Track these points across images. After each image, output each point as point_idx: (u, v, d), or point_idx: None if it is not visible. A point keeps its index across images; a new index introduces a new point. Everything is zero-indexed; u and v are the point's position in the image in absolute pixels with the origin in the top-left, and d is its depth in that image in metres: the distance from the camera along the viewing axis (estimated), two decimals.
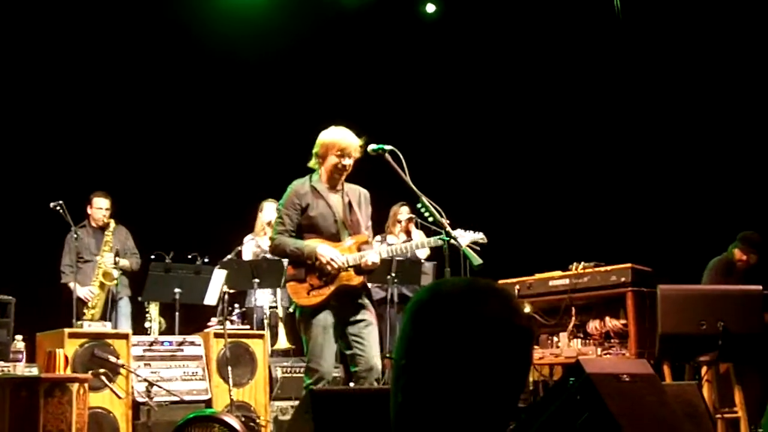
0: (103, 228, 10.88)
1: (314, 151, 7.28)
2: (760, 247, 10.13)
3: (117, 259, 10.58)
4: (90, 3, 12.29)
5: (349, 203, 7.32)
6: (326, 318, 7.05)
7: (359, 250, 7.21)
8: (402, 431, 1.95)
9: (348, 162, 7.17)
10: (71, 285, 10.56)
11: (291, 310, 7.45)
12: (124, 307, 10.92)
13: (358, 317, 7.14)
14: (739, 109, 12.55)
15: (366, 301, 7.25)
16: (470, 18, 13.98)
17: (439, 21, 14.30)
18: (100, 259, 10.69)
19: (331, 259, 7.02)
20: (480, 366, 1.88)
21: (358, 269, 7.14)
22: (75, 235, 10.35)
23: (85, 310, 10.51)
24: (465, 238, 7.09)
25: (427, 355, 1.89)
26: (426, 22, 14.34)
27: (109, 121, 12.45)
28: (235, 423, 5.59)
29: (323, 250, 7.05)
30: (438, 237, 6.91)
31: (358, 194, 7.43)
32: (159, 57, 12.80)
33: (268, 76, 13.40)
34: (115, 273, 10.58)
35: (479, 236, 7.23)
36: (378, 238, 10.86)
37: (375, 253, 7.18)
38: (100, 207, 10.93)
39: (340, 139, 7.18)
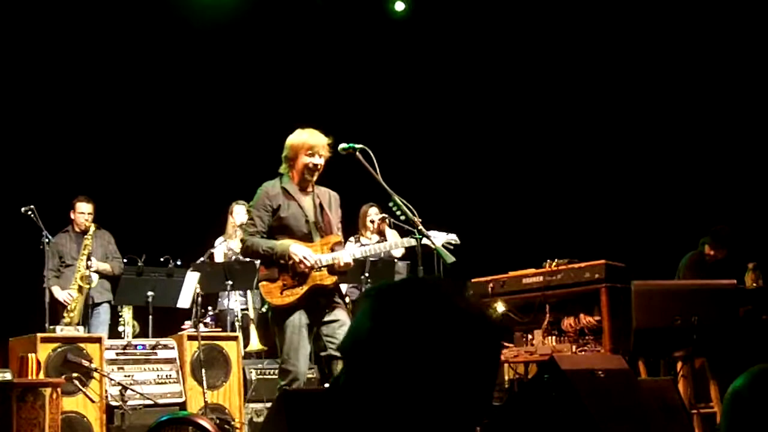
0: (85, 232, 10.87)
1: (284, 155, 7.28)
2: (728, 242, 10.16)
3: (89, 262, 10.57)
4: (67, 7, 12.25)
5: (320, 204, 7.30)
6: (300, 318, 7.02)
7: (332, 250, 7.19)
8: (367, 428, 1.92)
9: (319, 161, 7.16)
10: (53, 289, 10.66)
11: (264, 310, 7.40)
12: (104, 313, 10.89)
13: (332, 317, 7.11)
14: (709, 106, 12.61)
15: (339, 301, 7.24)
16: (439, 16, 13.97)
17: (408, 19, 14.27)
18: (79, 262, 10.69)
19: (304, 257, 7.00)
20: (452, 362, 1.85)
21: (332, 269, 7.12)
22: (46, 240, 10.31)
23: (65, 314, 10.55)
24: (438, 239, 7.09)
25: (390, 351, 1.86)
26: (395, 20, 14.31)
27: (80, 125, 12.40)
28: (207, 425, 5.56)
29: (296, 249, 7.03)
30: (412, 237, 6.89)
31: (328, 196, 7.43)
32: (128, 57, 12.75)
33: (235, 76, 13.34)
34: (94, 276, 10.57)
35: (452, 237, 7.23)
36: (351, 239, 10.84)
37: (348, 253, 7.19)
38: (82, 212, 10.95)
39: (308, 139, 7.17)
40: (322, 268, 7.07)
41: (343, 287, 10.63)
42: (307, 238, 7.20)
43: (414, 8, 14.27)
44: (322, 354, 7.15)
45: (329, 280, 7.13)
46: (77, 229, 10.96)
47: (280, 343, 7.10)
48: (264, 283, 7.16)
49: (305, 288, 7.04)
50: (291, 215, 7.18)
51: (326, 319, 7.10)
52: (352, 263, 7.26)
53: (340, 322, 7.10)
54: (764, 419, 2.16)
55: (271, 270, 7.13)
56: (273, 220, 7.18)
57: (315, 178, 7.26)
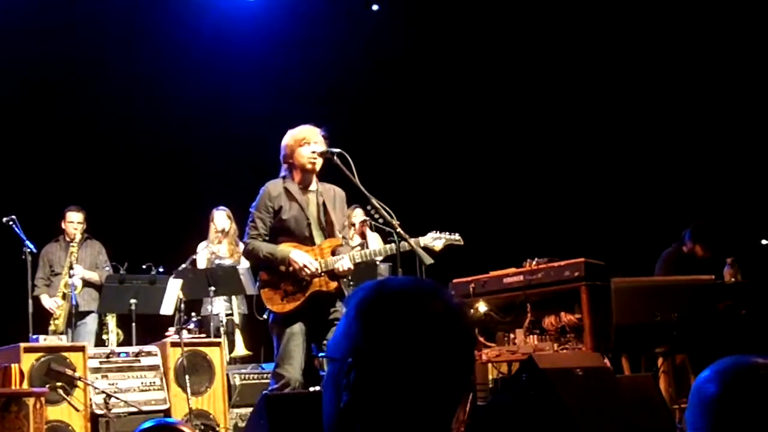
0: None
1: (281, 156, 7.20)
2: (709, 241, 10.13)
3: (72, 271, 10.59)
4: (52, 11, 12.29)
5: (324, 204, 7.23)
6: (298, 325, 6.98)
7: (333, 253, 7.13)
8: (344, 424, 1.95)
9: (315, 148, 7.03)
10: (41, 297, 10.77)
11: (264, 316, 7.36)
12: (91, 323, 10.89)
13: (332, 321, 7.05)
14: (685, 105, 12.67)
15: (340, 307, 7.11)
16: (414, 15, 13.99)
17: (383, 17, 14.29)
18: (64, 271, 10.72)
19: (304, 266, 6.94)
20: (426, 364, 1.89)
21: (332, 275, 7.07)
22: (28, 249, 10.29)
23: (51, 321, 10.69)
24: (440, 240, 7.11)
25: (375, 353, 1.89)
26: (371, 19, 14.33)
27: (60, 133, 12.39)
28: (188, 431, 5.58)
29: (296, 256, 6.98)
30: (399, 241, 6.83)
31: (333, 194, 7.32)
32: (109, 64, 12.77)
33: (215, 81, 13.30)
34: (78, 283, 10.59)
35: (455, 237, 7.26)
36: None
37: (348, 258, 7.07)
38: (72, 221, 10.96)
39: (299, 132, 7.11)
40: (323, 274, 7.06)
41: None
42: (308, 241, 7.14)
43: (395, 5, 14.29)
44: (321, 355, 7.13)
45: (331, 285, 7.09)
46: (68, 239, 10.97)
47: (276, 347, 7.09)
48: (265, 289, 7.10)
49: (306, 295, 7.01)
50: (292, 218, 7.10)
51: (326, 323, 7.08)
52: (353, 268, 7.18)
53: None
54: (738, 421, 2.16)
55: (272, 276, 7.08)
56: (274, 222, 7.12)
57: (317, 168, 7.15)
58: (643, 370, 8.57)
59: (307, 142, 7.07)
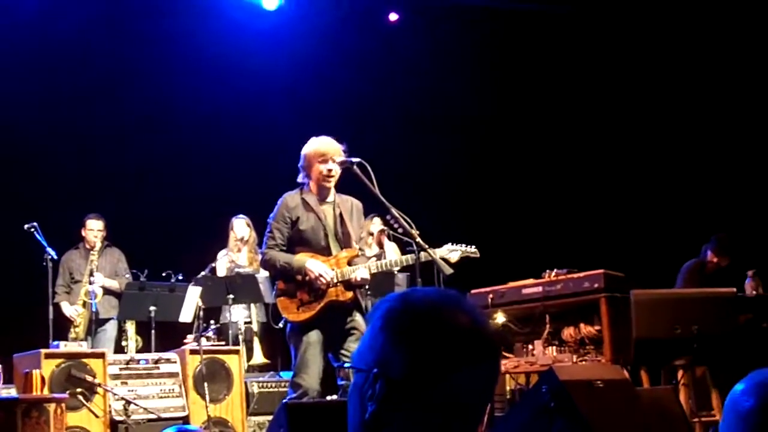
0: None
1: (300, 165, 7.28)
2: (732, 250, 10.14)
3: (91, 278, 10.62)
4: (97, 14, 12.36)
5: (341, 215, 7.28)
6: (315, 334, 7.04)
7: (350, 263, 7.18)
8: None
9: (333, 167, 7.12)
10: (62, 304, 10.84)
11: (281, 324, 7.39)
12: (111, 330, 10.92)
13: (349, 330, 7.11)
14: (705, 115, 12.65)
15: (357, 317, 7.19)
16: (433, 27, 13.99)
17: (401, 28, 14.28)
18: (84, 278, 10.76)
19: (320, 275, 7.00)
20: (451, 375, 1.89)
21: (348, 284, 7.11)
22: (49, 256, 10.31)
23: (71, 329, 10.76)
24: (456, 251, 7.12)
25: (401, 364, 1.90)
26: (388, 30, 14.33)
27: (81, 140, 12.42)
28: None
29: (312, 265, 7.03)
30: (418, 251, 6.82)
31: (350, 206, 7.40)
32: (130, 73, 12.80)
33: (233, 90, 13.29)
34: (98, 291, 10.63)
35: (471, 249, 7.26)
36: None
37: (365, 268, 7.13)
38: (92, 229, 11.02)
39: (319, 146, 7.18)
40: (339, 284, 7.09)
41: None
42: (325, 251, 7.20)
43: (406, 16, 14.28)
44: (336, 365, 7.17)
45: (347, 295, 7.14)
46: (88, 246, 11.03)
47: (293, 356, 7.13)
48: (281, 298, 7.17)
49: (321, 304, 7.06)
50: (310, 228, 7.17)
51: (342, 333, 7.11)
52: (369, 278, 7.23)
53: (356, 335, 7.08)
54: None
55: (289, 285, 7.15)
56: (292, 232, 7.18)
57: (332, 184, 7.24)
58: (663, 383, 8.53)
59: (325, 159, 7.13)
